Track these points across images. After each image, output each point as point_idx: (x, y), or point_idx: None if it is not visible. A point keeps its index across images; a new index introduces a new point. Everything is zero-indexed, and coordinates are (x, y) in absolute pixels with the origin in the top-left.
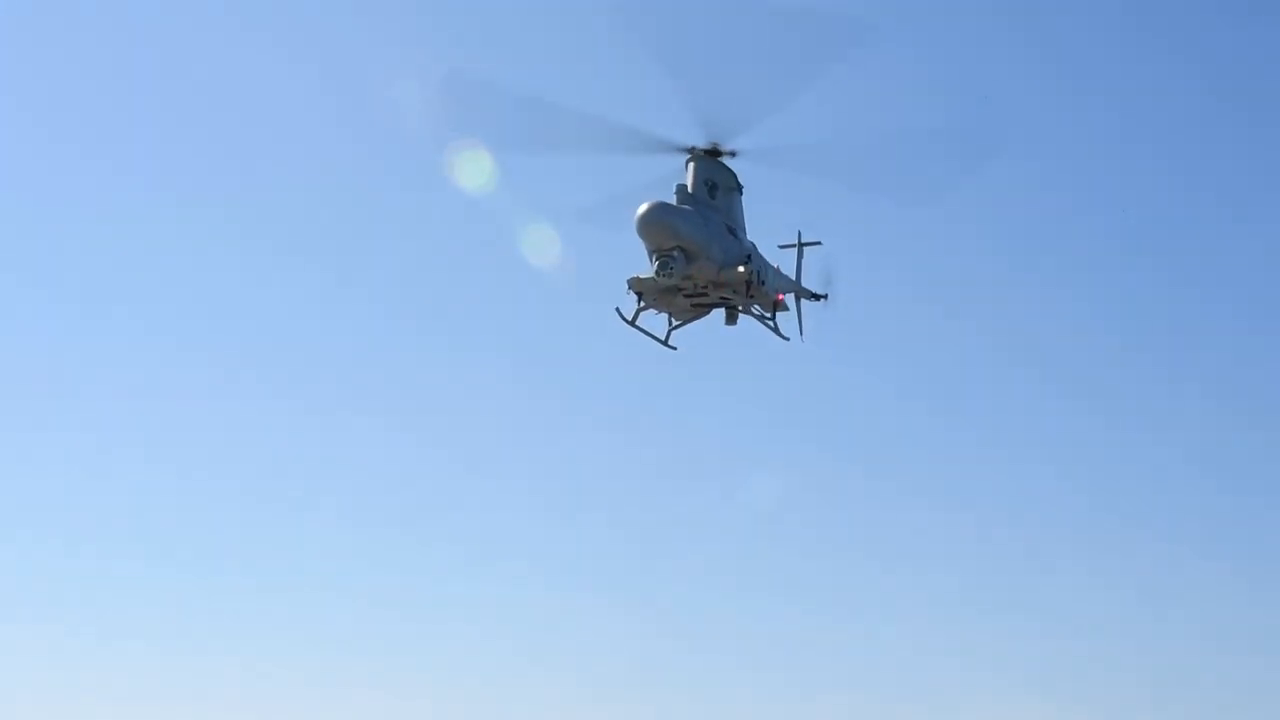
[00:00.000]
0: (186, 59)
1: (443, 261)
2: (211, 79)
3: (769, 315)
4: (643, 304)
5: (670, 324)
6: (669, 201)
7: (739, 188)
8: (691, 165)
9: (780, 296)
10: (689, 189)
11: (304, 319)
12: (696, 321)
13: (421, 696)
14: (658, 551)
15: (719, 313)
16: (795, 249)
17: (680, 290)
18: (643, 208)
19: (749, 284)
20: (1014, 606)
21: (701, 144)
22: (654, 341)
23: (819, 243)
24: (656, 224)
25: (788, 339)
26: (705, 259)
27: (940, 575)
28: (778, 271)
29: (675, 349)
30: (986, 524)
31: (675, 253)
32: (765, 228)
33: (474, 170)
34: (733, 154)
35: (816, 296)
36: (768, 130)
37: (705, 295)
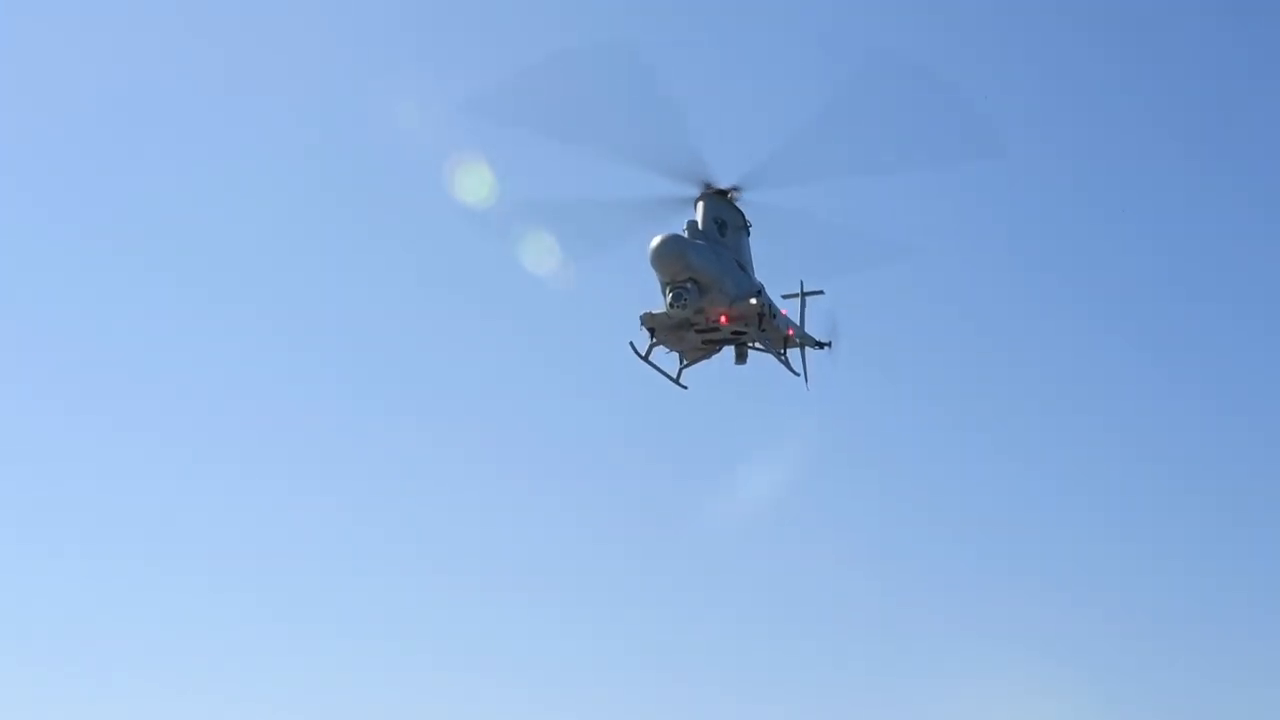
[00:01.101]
0: (182, 67)
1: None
2: (208, 89)
3: (780, 351)
4: (655, 340)
5: (681, 363)
6: (681, 234)
7: (747, 227)
8: (700, 204)
9: (791, 331)
10: (699, 225)
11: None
12: (706, 361)
13: None
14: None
15: (728, 353)
16: (798, 298)
17: (692, 325)
18: (656, 240)
19: (761, 316)
20: (1023, 663)
21: (709, 184)
22: (665, 379)
23: (821, 292)
24: (670, 255)
25: (799, 374)
26: (718, 291)
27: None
28: (784, 315)
29: (686, 388)
30: (1008, 583)
31: (688, 284)
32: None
33: (474, 183)
34: (737, 190)
35: (820, 345)
36: (770, 170)
37: (717, 330)
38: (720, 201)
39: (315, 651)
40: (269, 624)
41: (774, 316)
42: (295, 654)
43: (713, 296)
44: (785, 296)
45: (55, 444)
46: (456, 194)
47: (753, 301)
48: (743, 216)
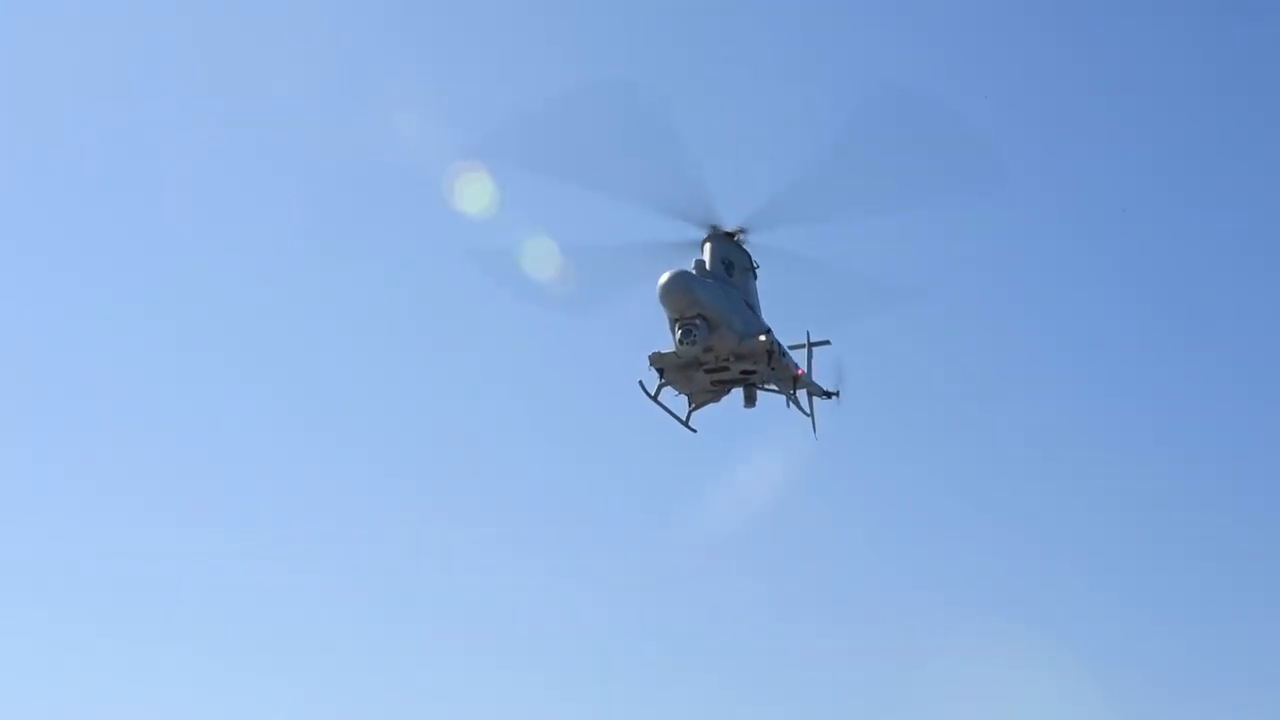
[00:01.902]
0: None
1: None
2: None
3: (790, 391)
4: (664, 380)
5: (690, 406)
6: (689, 270)
7: (754, 269)
8: (708, 245)
9: (800, 371)
10: (706, 265)
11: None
12: (715, 405)
13: None
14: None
15: (737, 396)
16: (805, 349)
17: (701, 364)
18: (665, 276)
19: (770, 354)
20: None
21: (717, 226)
22: (675, 421)
23: (828, 342)
24: (679, 291)
25: (809, 414)
26: (726, 328)
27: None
28: (792, 358)
29: (695, 431)
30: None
31: (697, 320)
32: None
33: (475, 193)
34: (743, 232)
35: (828, 394)
36: (780, 217)
37: (726, 370)
38: (728, 243)
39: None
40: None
41: (782, 355)
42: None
43: (721, 333)
44: (792, 348)
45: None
46: (458, 204)
47: (761, 338)
48: (750, 258)
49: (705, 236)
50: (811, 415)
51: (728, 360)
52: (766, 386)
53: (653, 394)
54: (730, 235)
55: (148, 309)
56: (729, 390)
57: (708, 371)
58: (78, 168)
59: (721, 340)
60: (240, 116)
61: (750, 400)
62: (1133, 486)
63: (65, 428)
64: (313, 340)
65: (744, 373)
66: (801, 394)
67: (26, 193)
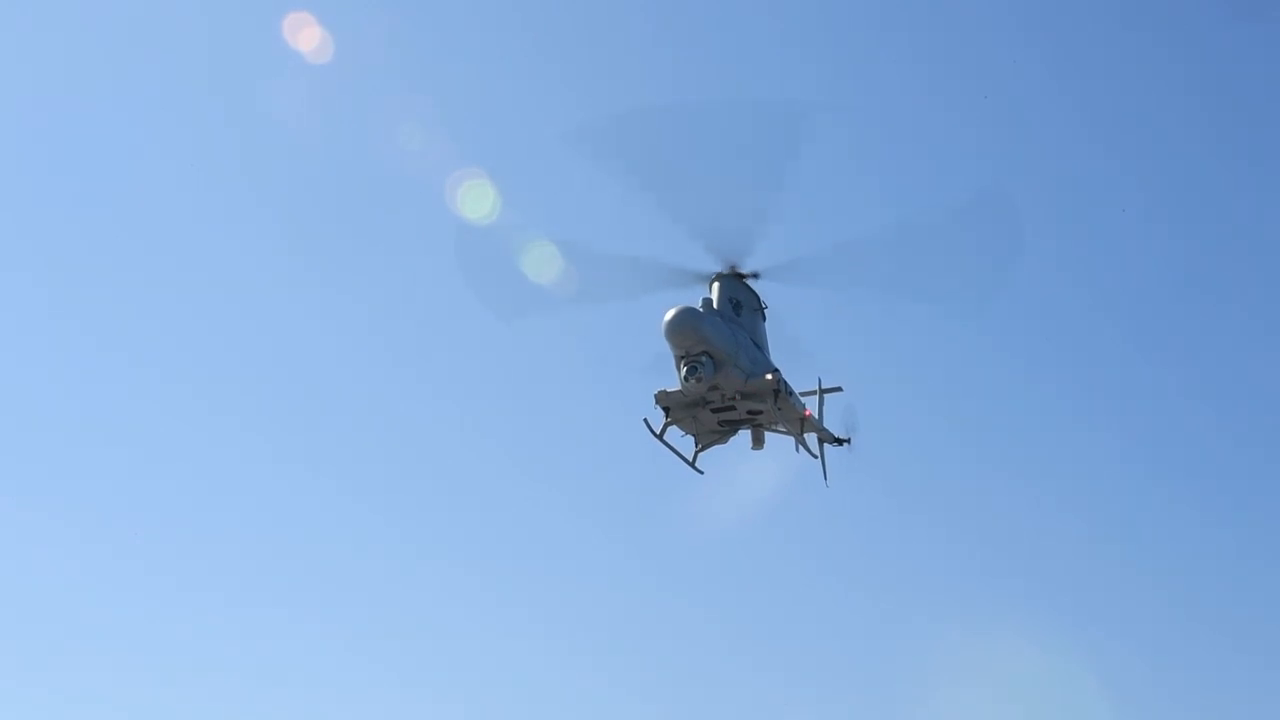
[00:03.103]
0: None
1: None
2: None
3: (798, 432)
4: (669, 419)
5: (696, 447)
6: (695, 307)
7: (762, 310)
8: (716, 284)
9: (808, 413)
10: (714, 304)
11: None
12: (723, 447)
13: None
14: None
15: (745, 439)
16: (816, 395)
17: (707, 403)
18: (670, 312)
19: (776, 392)
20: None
21: (723, 268)
22: (680, 461)
23: (839, 388)
24: (685, 327)
25: (817, 456)
26: (732, 366)
27: None
28: (800, 398)
29: (702, 472)
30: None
31: (703, 357)
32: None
33: (477, 200)
34: (755, 275)
35: (839, 441)
36: (777, 244)
37: (732, 409)
38: (736, 283)
39: None
40: None
41: (790, 394)
42: None
43: (727, 371)
44: (803, 394)
45: None
46: (460, 210)
47: (768, 377)
48: (758, 299)
49: (714, 275)
50: (822, 460)
51: (734, 399)
52: (775, 428)
53: (658, 432)
54: (739, 275)
55: (141, 314)
56: (736, 431)
57: (714, 410)
58: (78, 171)
59: (727, 377)
60: (239, 120)
61: (758, 442)
62: (1159, 547)
63: (60, 429)
64: (307, 352)
65: (751, 412)
66: (812, 439)
67: (28, 194)
